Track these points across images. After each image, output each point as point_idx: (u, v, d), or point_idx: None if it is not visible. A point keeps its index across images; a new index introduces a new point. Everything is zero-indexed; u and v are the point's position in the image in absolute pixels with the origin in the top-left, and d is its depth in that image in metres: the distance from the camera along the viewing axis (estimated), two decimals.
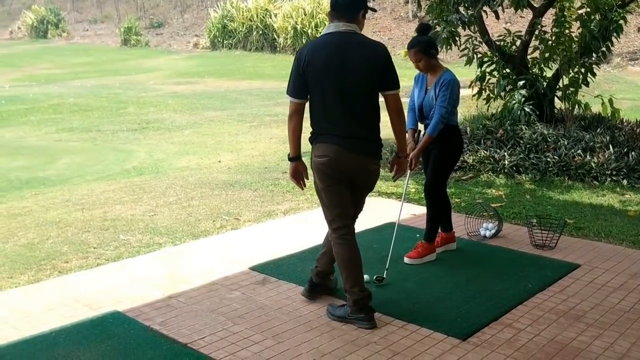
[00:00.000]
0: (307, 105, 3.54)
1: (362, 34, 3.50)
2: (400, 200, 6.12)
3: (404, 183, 4.69)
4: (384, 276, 4.14)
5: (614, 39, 7.91)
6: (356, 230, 5.17)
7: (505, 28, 8.94)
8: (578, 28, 7.92)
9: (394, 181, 3.81)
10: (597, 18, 7.74)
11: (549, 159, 6.98)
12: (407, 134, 4.45)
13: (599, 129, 7.57)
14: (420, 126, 4.57)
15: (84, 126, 11.66)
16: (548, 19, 8.36)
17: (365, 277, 4.17)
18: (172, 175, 7.55)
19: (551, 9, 8.27)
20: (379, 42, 3.53)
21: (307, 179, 3.70)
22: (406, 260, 4.48)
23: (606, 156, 6.88)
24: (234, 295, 4.01)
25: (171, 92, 16.31)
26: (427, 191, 4.57)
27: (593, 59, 7.94)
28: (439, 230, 4.70)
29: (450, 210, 4.76)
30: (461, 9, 7.76)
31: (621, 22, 7.69)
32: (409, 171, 4.50)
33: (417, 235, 4.91)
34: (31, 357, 3.25)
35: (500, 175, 7.04)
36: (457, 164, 7.06)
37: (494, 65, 8.27)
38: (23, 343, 3.40)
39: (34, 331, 3.53)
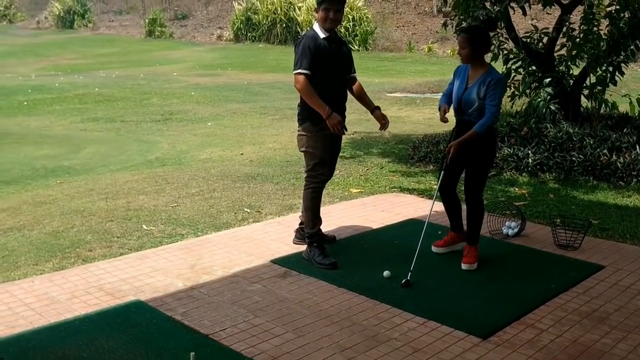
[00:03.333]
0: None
1: (313, 29, 4.40)
2: (421, 197, 6.11)
3: (436, 180, 4.62)
4: (408, 278, 4.09)
5: None
6: (377, 226, 5.23)
7: (532, 24, 8.83)
8: (607, 26, 7.79)
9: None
10: (627, 16, 7.61)
11: (574, 158, 6.90)
12: (441, 109, 4.38)
13: (625, 129, 7.44)
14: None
15: (109, 116, 11.78)
16: (576, 16, 8.23)
17: (386, 273, 4.18)
18: (195, 167, 7.60)
19: (579, 5, 8.14)
20: (305, 34, 4.41)
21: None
22: (464, 266, 4.36)
23: (632, 156, 6.77)
24: (255, 287, 4.03)
25: (194, 84, 16.39)
26: (470, 195, 4.40)
27: (621, 57, 7.80)
28: (450, 230, 4.67)
29: (460, 210, 4.64)
30: (487, 4, 7.68)
31: None
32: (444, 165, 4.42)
33: (439, 232, 4.89)
34: (56, 344, 3.30)
35: (524, 174, 6.97)
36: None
37: (520, 62, 8.18)
38: (48, 329, 3.45)
39: (59, 318, 3.58)
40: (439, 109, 4.41)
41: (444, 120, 4.34)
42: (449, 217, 4.66)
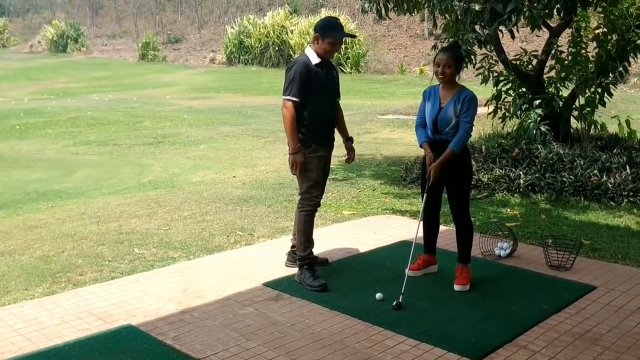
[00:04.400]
0: None
1: (305, 53, 4.42)
2: (413, 218, 6.11)
3: (421, 201, 4.64)
4: (400, 300, 4.08)
5: (631, 59, 7.88)
6: (369, 248, 5.23)
7: (521, 47, 8.94)
8: (594, 48, 7.90)
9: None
10: (614, 38, 7.72)
11: (564, 179, 6.94)
12: (424, 147, 4.39)
13: (615, 150, 7.51)
14: None
15: (101, 140, 11.79)
16: (564, 38, 8.35)
17: (379, 295, 4.17)
18: (187, 190, 7.59)
19: (567, 29, 8.26)
20: (297, 59, 4.42)
21: None
22: (457, 287, 4.36)
23: (623, 177, 6.83)
24: (247, 311, 4.01)
25: (187, 107, 16.45)
26: (457, 214, 4.43)
27: (610, 79, 7.90)
28: (422, 252, 4.66)
29: (438, 233, 4.69)
30: (477, 27, 7.78)
31: (639, 42, 7.66)
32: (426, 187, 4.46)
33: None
34: None
35: (516, 195, 7.01)
36: (472, 182, 7.06)
37: (509, 84, 8.27)
38: (37, 355, 3.41)
39: (49, 344, 3.55)
40: (421, 146, 4.44)
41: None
42: (427, 239, 4.66)
